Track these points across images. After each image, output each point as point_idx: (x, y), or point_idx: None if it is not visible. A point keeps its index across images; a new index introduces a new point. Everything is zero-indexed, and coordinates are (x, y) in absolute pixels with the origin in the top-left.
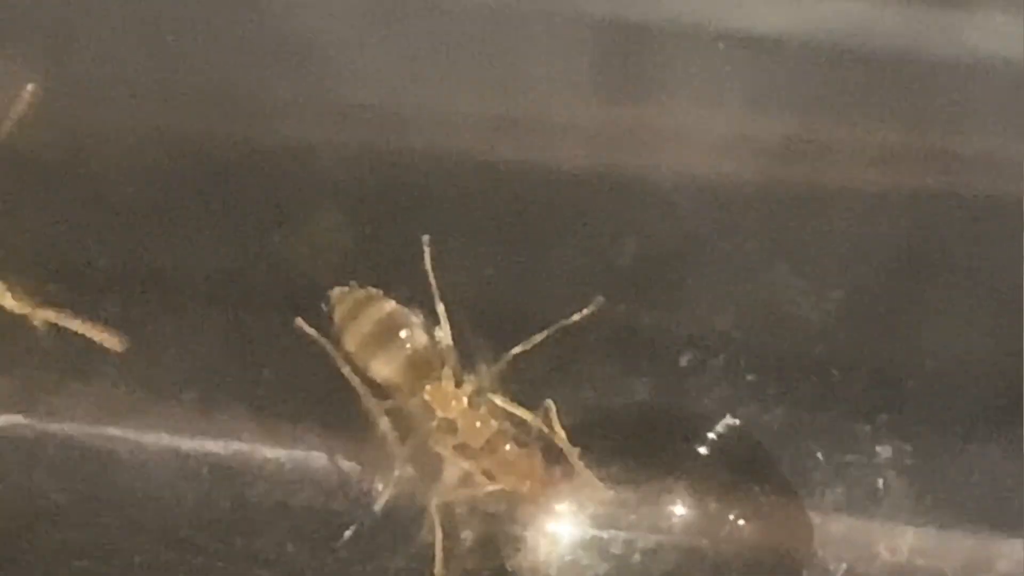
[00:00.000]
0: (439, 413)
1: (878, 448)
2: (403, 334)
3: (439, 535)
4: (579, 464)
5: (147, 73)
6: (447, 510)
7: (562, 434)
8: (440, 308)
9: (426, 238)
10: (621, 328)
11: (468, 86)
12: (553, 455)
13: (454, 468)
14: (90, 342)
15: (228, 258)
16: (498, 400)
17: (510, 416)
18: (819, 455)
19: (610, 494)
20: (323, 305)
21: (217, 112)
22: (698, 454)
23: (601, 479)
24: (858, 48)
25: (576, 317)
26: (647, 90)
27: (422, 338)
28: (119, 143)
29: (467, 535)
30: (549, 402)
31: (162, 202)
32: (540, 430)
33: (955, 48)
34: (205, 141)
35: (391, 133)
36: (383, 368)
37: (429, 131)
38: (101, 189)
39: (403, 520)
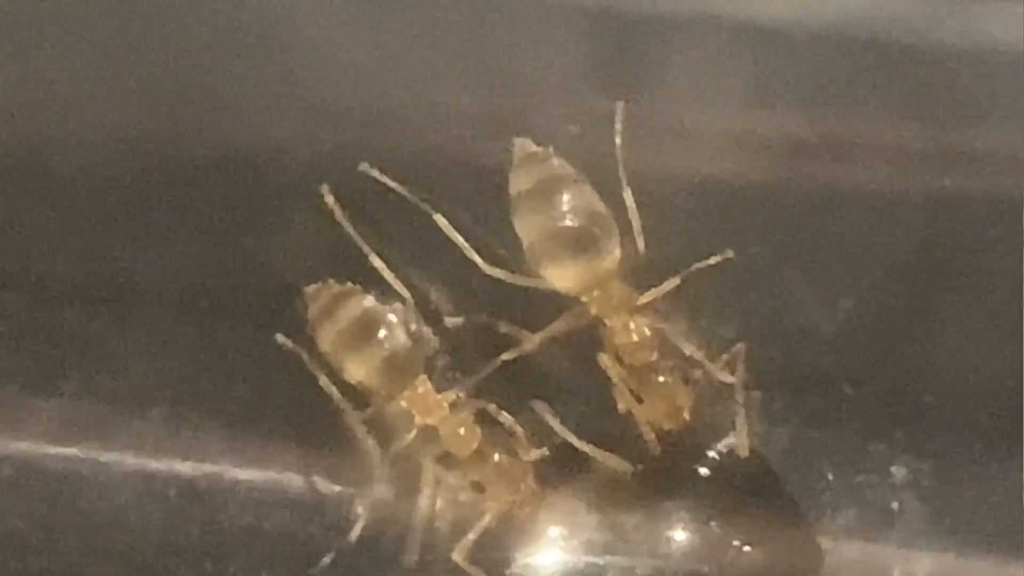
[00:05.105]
0: (417, 420)
1: (893, 468)
2: (381, 333)
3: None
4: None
5: (112, 70)
6: (429, 527)
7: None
8: (410, 303)
9: None
10: None
11: (453, 81)
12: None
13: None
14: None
15: (197, 265)
16: (491, 408)
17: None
18: (830, 475)
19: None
20: (298, 305)
21: (185, 110)
22: (700, 474)
23: (595, 501)
24: (870, 39)
25: (568, 325)
26: (644, 84)
27: (401, 338)
28: (82, 143)
29: (450, 560)
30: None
31: (126, 205)
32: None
33: (973, 40)
34: (172, 141)
35: (371, 132)
36: (358, 370)
37: (412, 129)
38: (62, 191)
39: (384, 545)
